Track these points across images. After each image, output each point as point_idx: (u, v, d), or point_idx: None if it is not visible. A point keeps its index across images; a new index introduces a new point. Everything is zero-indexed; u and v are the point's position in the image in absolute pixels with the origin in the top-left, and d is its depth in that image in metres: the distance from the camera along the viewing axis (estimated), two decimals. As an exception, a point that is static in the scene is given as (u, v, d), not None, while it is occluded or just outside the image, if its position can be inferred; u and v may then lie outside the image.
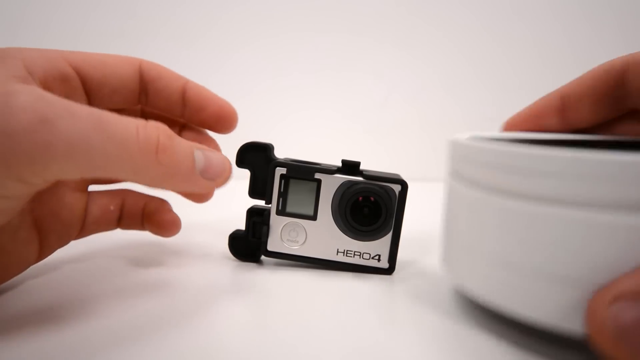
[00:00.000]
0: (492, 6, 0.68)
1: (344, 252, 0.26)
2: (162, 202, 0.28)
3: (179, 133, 0.29)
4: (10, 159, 0.16)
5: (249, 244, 0.27)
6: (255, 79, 0.61)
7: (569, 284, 0.15)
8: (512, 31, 0.68)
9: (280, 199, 0.26)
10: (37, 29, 0.58)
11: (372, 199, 0.25)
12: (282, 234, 0.26)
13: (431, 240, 0.34)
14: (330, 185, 0.26)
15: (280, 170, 0.26)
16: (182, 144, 0.20)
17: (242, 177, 0.28)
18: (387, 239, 0.26)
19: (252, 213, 0.27)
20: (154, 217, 0.28)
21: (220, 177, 0.21)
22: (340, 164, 0.26)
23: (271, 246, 0.27)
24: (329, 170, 0.26)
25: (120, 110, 0.26)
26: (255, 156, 0.27)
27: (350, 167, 0.26)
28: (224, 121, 0.27)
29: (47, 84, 0.21)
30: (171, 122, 0.28)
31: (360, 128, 0.67)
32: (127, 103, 0.26)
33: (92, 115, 0.17)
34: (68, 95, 0.22)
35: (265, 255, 0.27)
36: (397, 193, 0.25)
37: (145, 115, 0.28)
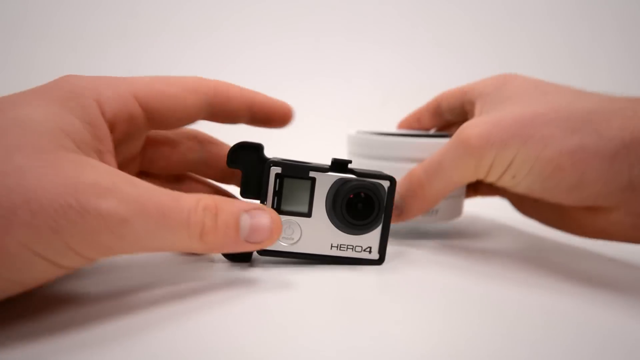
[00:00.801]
0: (490, 7, 0.70)
1: (337, 247, 0.27)
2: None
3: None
4: (91, 242, 0.18)
5: (241, 244, 0.27)
6: (254, 80, 0.59)
7: None
8: (510, 32, 0.71)
9: (275, 198, 0.27)
10: (38, 29, 0.53)
11: (365, 194, 0.27)
12: (277, 232, 0.27)
13: (417, 233, 0.37)
14: (324, 183, 0.27)
15: (275, 170, 0.26)
16: (227, 217, 0.21)
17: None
18: (377, 231, 0.28)
19: (244, 213, 0.27)
20: None
21: (267, 240, 0.23)
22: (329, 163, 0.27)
23: (266, 244, 0.27)
24: (323, 169, 0.27)
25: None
26: (248, 156, 0.27)
27: (340, 165, 0.27)
28: (285, 122, 0.30)
29: (114, 124, 0.23)
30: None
31: (359, 128, 0.67)
32: (187, 123, 0.27)
33: (158, 210, 0.19)
34: (130, 134, 0.24)
35: (260, 255, 0.27)
36: (386, 188, 0.27)
37: None
